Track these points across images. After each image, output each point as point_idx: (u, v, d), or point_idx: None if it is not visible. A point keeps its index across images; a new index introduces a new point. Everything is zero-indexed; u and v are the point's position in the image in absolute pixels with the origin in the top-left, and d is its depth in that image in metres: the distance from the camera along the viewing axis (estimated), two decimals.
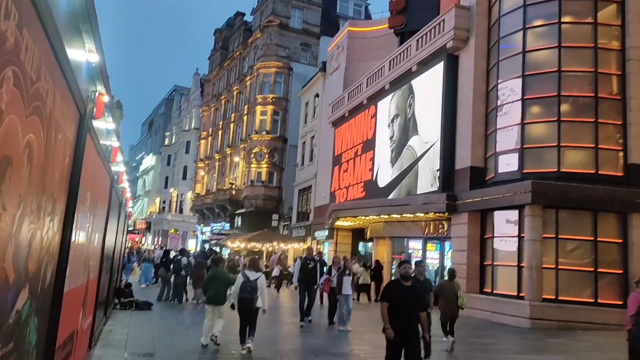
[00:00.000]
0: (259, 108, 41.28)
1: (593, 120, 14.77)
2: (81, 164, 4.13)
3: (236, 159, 45.59)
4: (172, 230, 62.10)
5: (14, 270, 2.53)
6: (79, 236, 4.78)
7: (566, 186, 13.98)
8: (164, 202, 68.10)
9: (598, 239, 14.04)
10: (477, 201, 16.06)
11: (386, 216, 20.64)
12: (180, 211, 63.55)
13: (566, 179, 14.25)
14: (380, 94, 23.63)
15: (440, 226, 18.56)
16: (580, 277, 14.13)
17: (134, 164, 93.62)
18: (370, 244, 24.42)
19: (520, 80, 15.92)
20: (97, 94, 4.24)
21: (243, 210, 40.89)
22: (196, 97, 62.29)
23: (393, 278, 12.37)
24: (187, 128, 63.77)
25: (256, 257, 16.72)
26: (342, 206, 24.81)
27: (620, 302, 13.63)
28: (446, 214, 17.29)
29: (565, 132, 14.91)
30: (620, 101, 14.79)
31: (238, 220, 41.25)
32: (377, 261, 20.93)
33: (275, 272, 21.19)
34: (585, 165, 14.68)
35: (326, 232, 27.73)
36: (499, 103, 16.50)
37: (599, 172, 14.44)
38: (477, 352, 9.97)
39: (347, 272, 12.08)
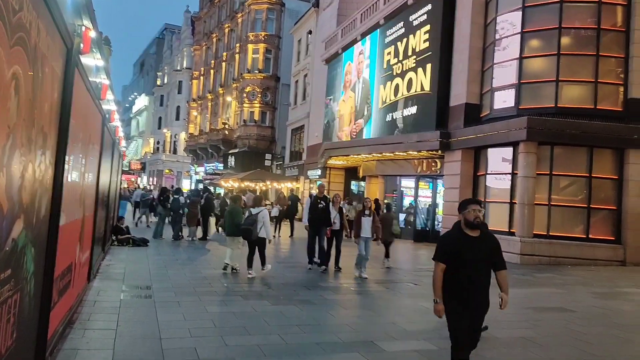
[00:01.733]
0: (250, 46, 40.05)
1: (594, 53, 14.24)
2: (70, 99, 4.16)
3: (229, 98, 44.76)
4: (167, 171, 62.13)
5: (7, 199, 2.64)
6: (72, 172, 4.90)
7: (562, 122, 13.68)
8: (158, 142, 67.64)
9: (593, 175, 13.91)
10: (471, 138, 15.79)
11: (379, 155, 20.41)
12: (175, 152, 63.30)
13: (563, 115, 13.93)
14: (375, 29, 22.76)
15: (433, 164, 18.38)
16: (573, 214, 14.11)
17: (127, 105, 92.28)
18: (362, 182, 24.35)
19: (520, 12, 15.24)
20: (83, 28, 4.33)
21: (236, 150, 40.60)
22: (187, 36, 60.39)
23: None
24: (179, 68, 62.29)
25: (261, 195, 16.98)
26: (335, 145, 24.53)
27: (613, 238, 13.74)
28: (439, 151, 17.07)
29: (564, 67, 14.42)
30: (624, 33, 14.21)
31: (231, 160, 41.04)
32: (376, 200, 20.51)
33: (275, 211, 20.21)
34: (584, 101, 14.30)
35: (319, 172, 27.63)
36: (497, 37, 15.87)
37: (598, 107, 14.09)
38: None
39: (366, 212, 10.48)
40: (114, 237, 13.47)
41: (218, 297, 7.83)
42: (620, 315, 7.80)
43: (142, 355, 4.96)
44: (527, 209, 13.74)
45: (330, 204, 11.09)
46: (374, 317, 7.05)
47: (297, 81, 35.16)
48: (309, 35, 33.41)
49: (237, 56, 43.38)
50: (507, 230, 14.43)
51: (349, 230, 11.29)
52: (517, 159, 14.35)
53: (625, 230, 13.53)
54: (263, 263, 9.76)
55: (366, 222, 10.30)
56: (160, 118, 68.17)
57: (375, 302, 8.13)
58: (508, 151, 14.83)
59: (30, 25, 2.81)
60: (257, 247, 9.72)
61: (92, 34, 4.47)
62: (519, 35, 15.19)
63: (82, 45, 4.37)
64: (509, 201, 14.66)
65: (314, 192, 29.19)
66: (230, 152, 41.82)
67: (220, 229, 17.89)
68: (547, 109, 14.26)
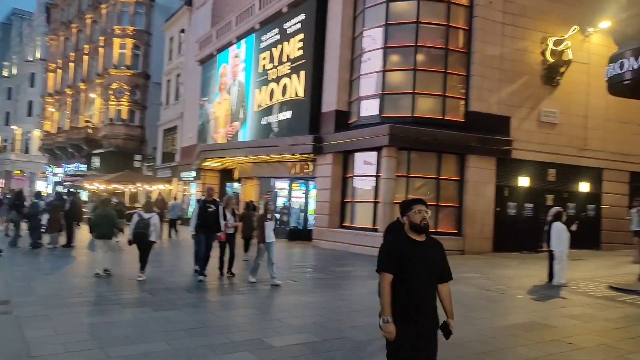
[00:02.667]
0: (117, 40, 38.03)
1: (443, 70, 16.33)
2: None
3: (92, 95, 41.93)
4: (17, 172, 56.01)
5: None
6: None
7: (418, 130, 15.49)
8: (6, 140, 60.65)
9: (441, 177, 15.94)
10: (341, 143, 17.10)
11: (255, 157, 20.98)
12: (27, 151, 57.34)
13: (418, 124, 15.75)
14: (250, 33, 23.27)
15: (306, 166, 19.46)
16: None
17: None
18: (238, 184, 24.72)
19: (383, 29, 16.85)
20: None
21: (102, 151, 38.27)
22: (41, 24, 55.09)
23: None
24: (31, 58, 56.61)
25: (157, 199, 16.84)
26: (211, 147, 24.57)
27: (456, 231, 15.87)
28: (312, 155, 18.16)
29: (419, 81, 16.31)
30: (466, 54, 16.50)
31: (96, 161, 38.56)
32: (250, 202, 20.34)
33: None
34: (434, 112, 16.32)
35: (194, 173, 27.37)
36: (363, 50, 17.37)
37: (445, 118, 16.19)
38: (339, 279, 11.05)
39: (268, 216, 9.94)
40: None
41: (93, 307, 7.48)
42: (465, 297, 9.25)
43: None
44: (388, 208, 15.31)
45: (221, 207, 10.35)
46: (259, 315, 7.49)
47: (169, 80, 34.26)
48: (182, 34, 32.79)
49: (101, 50, 40.84)
50: (372, 226, 15.93)
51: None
52: (380, 162, 15.90)
53: (464, 224, 15.75)
54: (143, 267, 9.88)
55: (269, 227, 9.89)
56: (7, 113, 61.26)
57: (259, 301, 8.55)
58: (373, 155, 16.35)
59: None
60: (144, 251, 9.91)
61: None
62: (382, 50, 16.81)
63: None
64: (373, 200, 16.17)
65: (187, 195, 28.82)
66: (94, 152, 39.24)
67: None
68: (406, 118, 16.02)
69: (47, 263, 12.23)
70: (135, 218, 9.91)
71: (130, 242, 9.89)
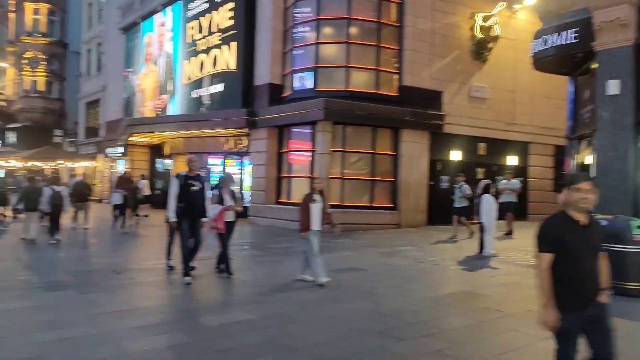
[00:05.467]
0: (29, 5, 35.05)
1: (376, 44, 16.25)
2: None
3: (3, 64, 38.53)
4: None
5: None
6: None
7: (352, 104, 15.40)
8: None
9: (376, 151, 16.04)
10: (275, 117, 16.72)
11: (186, 132, 20.16)
12: None
13: (353, 98, 15.66)
14: (176, 1, 22.05)
15: (239, 141, 18.95)
16: (361, 185, 16.10)
17: None
18: (169, 160, 23.76)
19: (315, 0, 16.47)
20: None
21: (17, 125, 35.52)
22: None
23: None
24: None
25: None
26: (138, 121, 23.36)
27: (391, 205, 16.10)
28: (246, 129, 17.67)
29: (352, 54, 16.14)
30: (398, 28, 16.49)
31: (11, 136, 35.79)
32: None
33: (117, 198, 15.16)
34: (368, 86, 16.28)
35: (121, 149, 25.98)
36: (296, 21, 16.93)
37: (379, 92, 16.20)
38: (279, 256, 10.90)
39: (314, 197, 7.92)
40: None
41: (13, 292, 7.08)
42: (400, 269, 9.43)
43: None
44: (324, 183, 15.23)
45: (206, 184, 8.21)
46: (190, 294, 7.29)
47: (89, 50, 32.06)
48: (102, 0, 30.61)
49: (12, 15, 37.45)
50: None
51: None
52: (315, 136, 15.73)
53: (399, 198, 16.02)
54: (54, 233, 11.94)
55: (315, 210, 7.85)
56: None
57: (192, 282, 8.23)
58: (308, 130, 16.14)
59: None
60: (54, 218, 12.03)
61: None
62: (315, 22, 16.46)
63: None
64: (309, 176, 16.01)
65: (118, 170, 27.34)
66: (8, 126, 36.35)
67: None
68: (340, 92, 15.86)
69: None
70: (49, 191, 12.07)
71: (46, 214, 12.05)
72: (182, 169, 21.57)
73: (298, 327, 5.72)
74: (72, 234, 13.85)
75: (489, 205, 10.74)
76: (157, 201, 24.02)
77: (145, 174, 22.42)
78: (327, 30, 16.65)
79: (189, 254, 7.88)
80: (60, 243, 11.90)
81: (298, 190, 16.49)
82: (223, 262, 8.33)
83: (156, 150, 25.02)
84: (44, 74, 35.38)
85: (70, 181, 20.21)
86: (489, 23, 17.40)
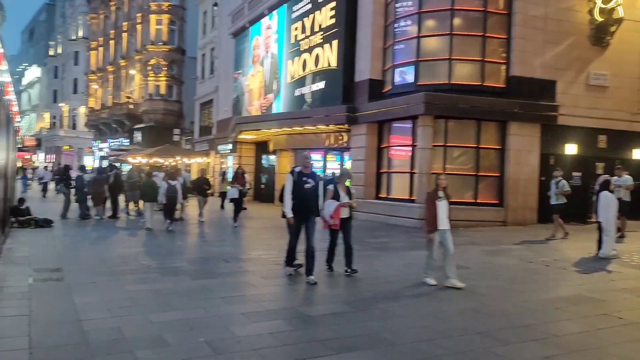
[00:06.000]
0: (153, 17, 38.34)
1: (481, 34, 15.55)
2: None
3: (132, 71, 42.67)
4: (66, 147, 58.30)
5: None
6: None
7: (455, 97, 14.90)
8: (55, 117, 63.02)
9: (480, 146, 15.37)
10: (375, 112, 16.70)
11: (289, 129, 20.87)
12: (74, 127, 59.45)
13: (455, 91, 15.14)
14: (282, 4, 22.84)
15: (340, 137, 19.20)
16: (464, 181, 15.54)
17: (16, 77, 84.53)
18: (273, 156, 24.76)
19: None
20: None
21: (142, 125, 39.13)
22: (82, 3, 56.13)
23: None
24: (74, 37, 57.98)
25: (174, 170, 17.14)
26: (246, 119, 24.61)
27: (497, 202, 15.36)
28: (346, 125, 17.86)
29: (456, 46, 15.60)
30: (506, 16, 15.62)
31: (138, 136, 39.57)
32: (239, 169, 17.91)
33: (233, 193, 15.19)
34: (472, 78, 15.63)
35: (230, 146, 27.58)
36: (397, 16, 16.75)
37: (484, 84, 15.49)
38: (374, 250, 10.88)
39: (439, 194, 7.51)
40: (13, 219, 12.78)
41: (136, 275, 7.75)
42: (506, 269, 8.94)
43: (63, 339, 4.77)
44: (425, 178, 14.93)
45: (321, 183, 7.90)
46: (293, 286, 7.42)
47: (204, 54, 34.35)
48: (215, 8, 32.63)
49: (138, 27, 41.30)
50: (408, 197, 15.63)
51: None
52: (416, 131, 15.46)
53: (506, 195, 15.20)
54: (168, 222, 13.23)
55: (442, 208, 7.42)
56: (55, 91, 63.42)
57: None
58: (408, 124, 15.91)
59: None
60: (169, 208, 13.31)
61: None
62: (417, 15, 16.14)
63: None
64: (409, 171, 15.82)
65: (227, 166, 29.12)
66: (136, 127, 40.21)
67: (130, 204, 17.63)
68: (442, 85, 15.42)
69: (94, 233, 12.80)
70: (165, 185, 13.28)
71: (162, 204, 13.26)
72: (286, 164, 22.45)
73: (398, 323, 5.63)
74: (187, 224, 15.00)
75: (607, 203, 9.83)
76: (262, 195, 25.22)
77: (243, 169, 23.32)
78: (430, 23, 16.26)
79: (294, 247, 7.82)
80: (175, 232, 12.92)
81: (398, 185, 16.38)
82: (332, 259, 8.26)
83: (261, 147, 26.20)
84: (165, 78, 38.56)
85: (182, 176, 21.76)
86: (610, 5, 15.86)
